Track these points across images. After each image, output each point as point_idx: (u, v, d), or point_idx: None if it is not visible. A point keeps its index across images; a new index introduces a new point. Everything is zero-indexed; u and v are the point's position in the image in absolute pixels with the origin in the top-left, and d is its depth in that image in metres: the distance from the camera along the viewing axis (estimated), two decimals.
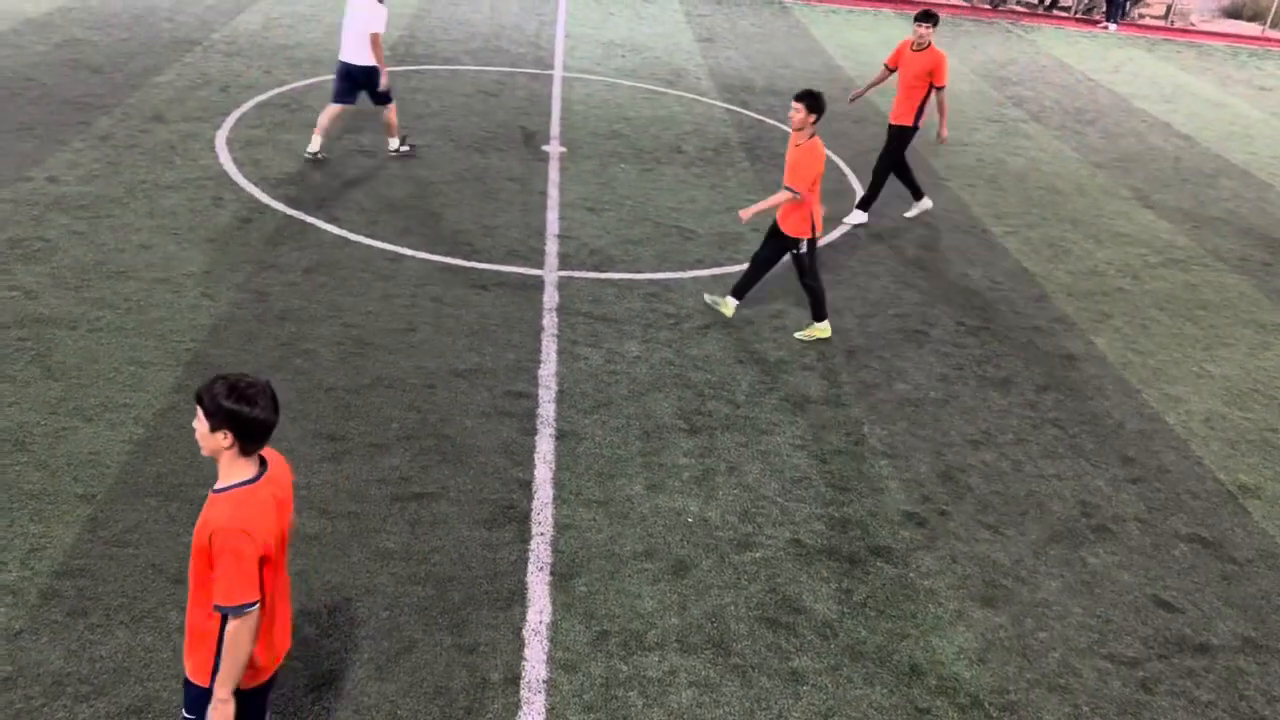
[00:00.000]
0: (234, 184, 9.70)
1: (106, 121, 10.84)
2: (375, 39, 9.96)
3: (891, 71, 10.27)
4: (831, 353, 7.93)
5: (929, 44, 9.83)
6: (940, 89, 9.94)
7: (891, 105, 10.31)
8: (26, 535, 5.22)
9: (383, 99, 10.44)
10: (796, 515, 6.07)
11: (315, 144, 10.40)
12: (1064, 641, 5.40)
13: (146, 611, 4.86)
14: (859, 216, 10.45)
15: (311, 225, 9.03)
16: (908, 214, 10.76)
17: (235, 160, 10.25)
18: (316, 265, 8.33)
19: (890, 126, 10.23)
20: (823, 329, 8.08)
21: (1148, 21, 25.51)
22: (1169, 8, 25.76)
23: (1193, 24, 25.73)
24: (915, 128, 10.12)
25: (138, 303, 7.48)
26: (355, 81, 10.22)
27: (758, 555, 5.71)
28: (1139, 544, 6.24)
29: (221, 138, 10.78)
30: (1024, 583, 5.78)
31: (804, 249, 7.80)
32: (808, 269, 7.90)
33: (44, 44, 13.12)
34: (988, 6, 24.82)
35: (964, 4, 24.87)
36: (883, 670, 5.05)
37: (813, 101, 7.40)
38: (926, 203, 10.73)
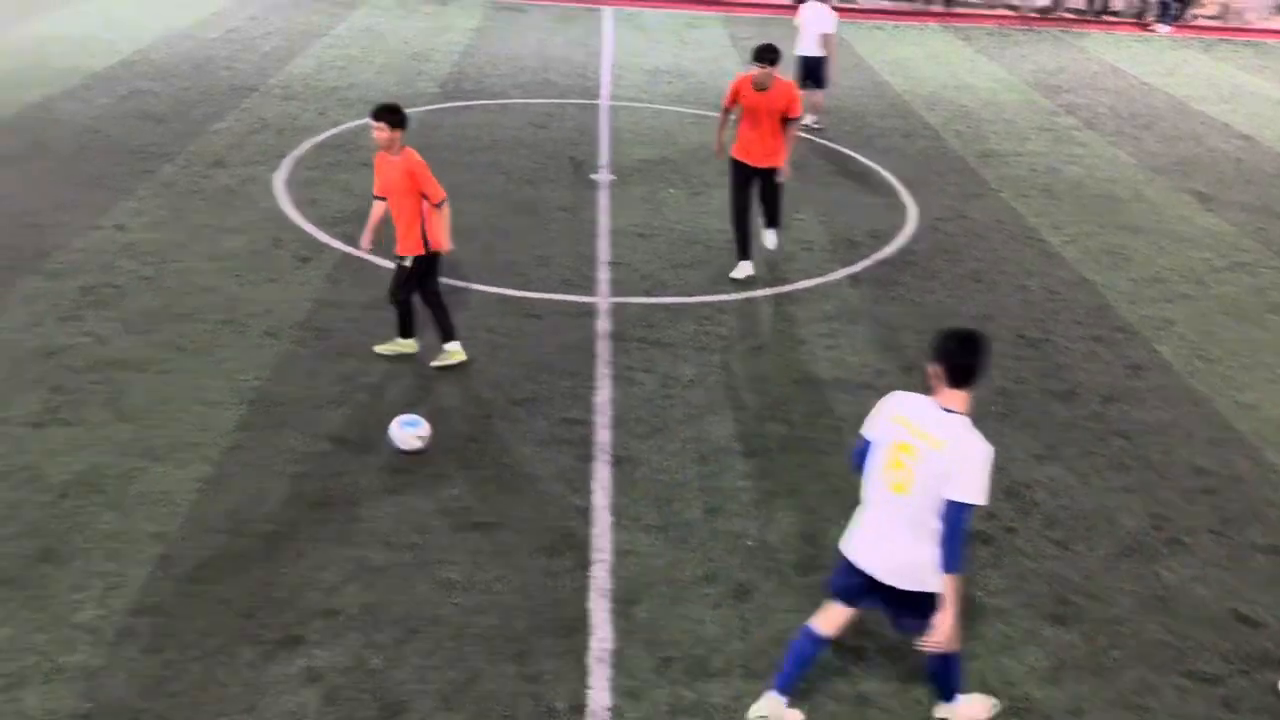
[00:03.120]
0: (292, 225, 9.93)
1: (170, 169, 11.17)
2: (828, 38, 13.48)
3: (729, 113, 9.28)
4: (889, 370, 7.85)
5: (775, 79, 8.89)
6: (795, 120, 9.08)
7: (748, 146, 9.07)
8: (103, 575, 5.36)
9: (821, 83, 13.68)
10: None
11: (808, 119, 13.04)
12: (1140, 659, 5.26)
13: (219, 647, 4.95)
14: (771, 238, 9.66)
15: (368, 262, 9.20)
16: (734, 274, 9.34)
17: (293, 201, 10.49)
18: (374, 301, 8.48)
19: (765, 170, 9.12)
20: (406, 344, 7.61)
21: (1201, 22, 25.03)
22: (1224, 7, 25.26)
23: (1249, 22, 25.19)
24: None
25: (204, 344, 7.67)
26: (810, 70, 13.55)
27: (820, 578, 5.65)
28: (1214, 556, 6.07)
29: (279, 180, 11.05)
30: (1095, 599, 5.65)
31: (410, 264, 7.29)
32: (403, 285, 7.39)
33: (108, 97, 13.58)
34: (1036, 15, 24.57)
35: (1011, 14, 24.65)
36: None
37: (394, 117, 7.01)
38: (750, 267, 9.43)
